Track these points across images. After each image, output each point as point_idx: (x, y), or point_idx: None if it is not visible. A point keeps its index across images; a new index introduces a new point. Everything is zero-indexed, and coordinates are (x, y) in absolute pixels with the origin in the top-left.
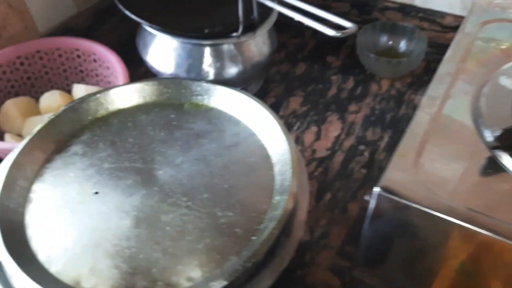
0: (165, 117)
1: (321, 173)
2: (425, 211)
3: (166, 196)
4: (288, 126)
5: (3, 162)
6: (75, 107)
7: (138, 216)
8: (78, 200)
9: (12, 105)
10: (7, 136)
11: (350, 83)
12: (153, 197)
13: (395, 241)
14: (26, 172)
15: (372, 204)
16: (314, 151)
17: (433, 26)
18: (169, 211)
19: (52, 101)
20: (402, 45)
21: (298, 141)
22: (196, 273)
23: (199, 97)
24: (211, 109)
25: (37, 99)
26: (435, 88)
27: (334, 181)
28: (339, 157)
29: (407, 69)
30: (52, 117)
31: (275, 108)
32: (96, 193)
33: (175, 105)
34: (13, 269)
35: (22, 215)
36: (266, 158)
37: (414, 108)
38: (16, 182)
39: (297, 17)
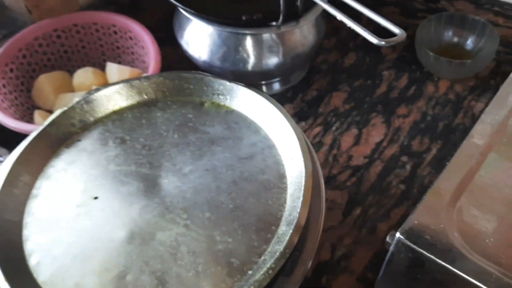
0: (182, 116)
1: (354, 183)
2: (451, 270)
3: (166, 211)
4: (326, 126)
5: (9, 156)
6: (91, 99)
7: (133, 230)
8: (77, 203)
9: (46, 80)
10: (36, 114)
11: (403, 81)
12: (153, 210)
13: None
14: (32, 167)
15: (391, 250)
16: (350, 158)
17: (509, 22)
18: (166, 228)
19: (85, 79)
20: (470, 42)
21: (334, 144)
22: None
23: (221, 97)
24: (232, 111)
25: (72, 74)
26: (500, 102)
27: (367, 195)
28: (377, 168)
29: (471, 71)
30: (65, 108)
31: (315, 103)
32: (96, 198)
33: (195, 104)
34: None
35: (21, 213)
36: (281, 177)
37: (473, 117)
38: (20, 178)
39: (339, 16)
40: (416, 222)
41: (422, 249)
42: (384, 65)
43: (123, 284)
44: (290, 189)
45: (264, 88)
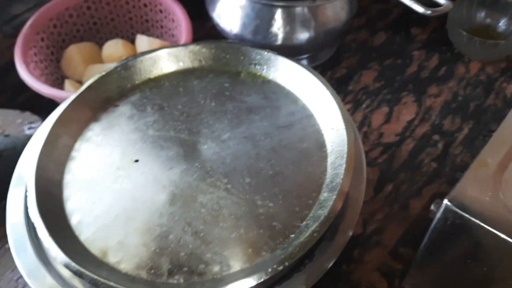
0: (219, 85)
1: (386, 160)
2: (500, 237)
3: (206, 175)
4: (356, 103)
5: (49, 117)
6: (128, 65)
7: (175, 192)
8: (117, 166)
9: (76, 50)
10: (66, 83)
11: (433, 62)
12: (193, 174)
13: (457, 262)
14: (71, 129)
15: (438, 217)
16: (381, 135)
17: None
18: (207, 191)
19: (114, 50)
20: (502, 24)
21: (364, 121)
22: (224, 266)
23: (258, 67)
24: (269, 81)
25: (101, 46)
26: None
27: (399, 172)
28: (409, 145)
29: (504, 52)
30: (103, 73)
31: (345, 81)
32: (137, 161)
33: (231, 73)
34: (43, 233)
35: (61, 173)
36: (321, 146)
37: (505, 99)
38: (59, 139)
39: None
40: (463, 190)
41: (470, 215)
42: (414, 45)
43: (166, 243)
44: (331, 158)
45: None
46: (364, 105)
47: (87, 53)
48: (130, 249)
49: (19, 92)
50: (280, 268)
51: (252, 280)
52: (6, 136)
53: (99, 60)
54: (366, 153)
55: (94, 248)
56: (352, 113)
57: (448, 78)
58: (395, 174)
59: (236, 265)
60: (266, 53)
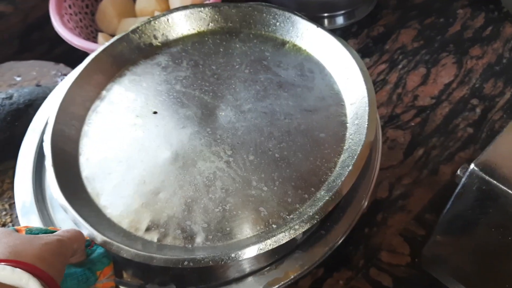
0: (260, 52)
1: (418, 124)
2: None
3: (214, 142)
4: (392, 63)
5: (91, 54)
6: (177, 15)
7: (179, 152)
8: (137, 113)
9: (109, 4)
10: (100, 36)
11: (479, 21)
12: (201, 138)
13: (481, 231)
14: (106, 68)
15: (463, 182)
16: (415, 97)
17: None
18: (208, 159)
19: (147, 4)
20: None
21: (399, 82)
22: (198, 237)
23: (305, 41)
24: (311, 58)
25: (134, 0)
26: None
27: (431, 137)
28: (444, 109)
29: None
30: (151, 18)
31: (381, 39)
32: (155, 112)
33: (277, 42)
34: (48, 165)
35: (87, 109)
36: (340, 140)
37: None
38: (93, 76)
39: None
40: (491, 155)
41: (498, 182)
42: (459, 3)
43: (155, 200)
44: (344, 155)
45: (326, 22)
46: (400, 66)
47: (121, 7)
48: (121, 197)
49: (56, 45)
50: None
51: (210, 262)
52: (38, 86)
53: (133, 14)
54: (398, 115)
55: (90, 187)
56: (387, 74)
57: (493, 39)
58: (427, 139)
59: (206, 241)
60: (316, 27)
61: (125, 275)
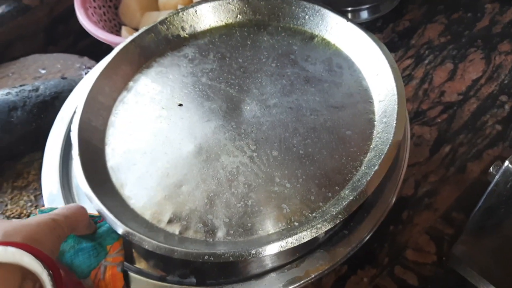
0: (288, 46)
1: (445, 120)
2: None
3: (238, 137)
4: (418, 59)
5: (119, 45)
6: (205, 6)
7: (203, 145)
8: (163, 105)
9: None
10: (123, 30)
11: (508, 16)
12: (226, 132)
13: None
14: (134, 59)
15: (497, 179)
16: (442, 93)
17: None
18: (232, 154)
19: None
20: None
21: (425, 78)
22: (219, 232)
23: (334, 35)
24: (340, 53)
25: None
26: None
27: (458, 133)
28: (472, 105)
29: None
30: (179, 10)
31: (407, 34)
32: (181, 105)
33: (305, 36)
34: (75, 154)
35: (114, 100)
36: (367, 138)
37: None
38: (121, 66)
39: None
40: None
41: None
42: None
43: (177, 193)
44: (371, 154)
45: (350, 16)
46: (426, 61)
47: (144, 1)
48: (144, 189)
49: (80, 39)
50: (270, 252)
51: (230, 258)
52: (64, 78)
53: (156, 7)
54: (424, 111)
55: (115, 177)
56: (412, 69)
57: None
58: (454, 135)
59: (227, 235)
60: (346, 21)
61: (146, 266)
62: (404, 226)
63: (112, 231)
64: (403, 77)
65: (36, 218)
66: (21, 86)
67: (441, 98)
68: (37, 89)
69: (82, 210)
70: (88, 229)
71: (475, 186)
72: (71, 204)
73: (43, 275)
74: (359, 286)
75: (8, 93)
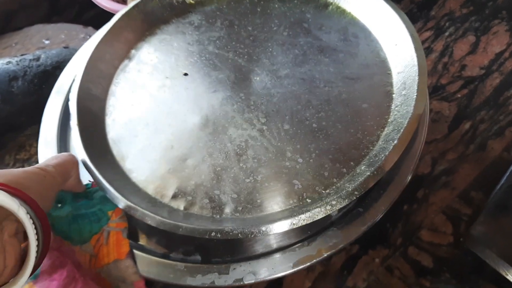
0: (300, 14)
1: (465, 96)
2: None
3: (247, 109)
4: (438, 31)
5: (118, 13)
6: None
7: (209, 117)
8: (167, 75)
9: None
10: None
11: None
12: (234, 104)
13: None
14: (137, 25)
15: None
16: (463, 67)
17: None
18: (240, 126)
19: None
20: None
21: (446, 51)
22: (227, 208)
23: (351, 3)
24: (357, 22)
25: None
26: None
27: (479, 110)
28: (494, 80)
29: None
30: None
31: (427, 5)
32: (186, 74)
33: (319, 3)
34: (73, 124)
35: (115, 68)
36: (384, 112)
37: None
38: (124, 33)
39: None
40: None
41: None
42: None
43: (182, 166)
44: (388, 128)
45: None
46: (447, 33)
47: None
48: (147, 162)
49: (85, 9)
50: (282, 228)
51: (239, 235)
52: (66, 47)
53: None
54: (444, 86)
55: (116, 149)
56: (432, 41)
57: None
58: (475, 112)
59: (235, 212)
60: None
61: (149, 242)
62: (419, 205)
63: None
64: None
65: (24, 168)
66: (22, 55)
67: (462, 73)
68: (38, 58)
69: (73, 158)
70: (79, 183)
71: (496, 164)
72: (60, 153)
73: (20, 212)
74: (370, 266)
75: (9, 62)
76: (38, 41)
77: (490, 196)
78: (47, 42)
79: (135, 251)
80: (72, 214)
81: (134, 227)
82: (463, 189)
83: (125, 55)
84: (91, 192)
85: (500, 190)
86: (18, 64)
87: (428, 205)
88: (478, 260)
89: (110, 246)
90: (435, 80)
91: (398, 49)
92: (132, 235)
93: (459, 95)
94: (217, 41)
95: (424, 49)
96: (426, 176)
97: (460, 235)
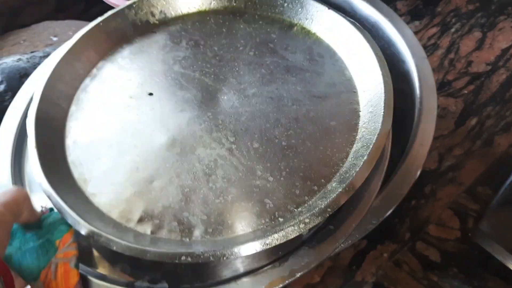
0: (266, 34)
1: (472, 92)
2: None
3: (215, 128)
4: (444, 27)
5: (82, 29)
6: None
7: (176, 137)
8: (131, 94)
9: None
10: None
11: None
12: (201, 123)
13: None
14: (99, 45)
15: None
16: (469, 63)
17: None
18: (209, 146)
19: None
20: None
21: (452, 47)
22: (196, 230)
23: (314, 24)
24: (321, 43)
25: None
26: None
27: (486, 105)
28: (501, 76)
29: None
30: None
31: (433, 1)
32: (151, 94)
33: (284, 25)
34: (31, 145)
35: (75, 88)
36: (352, 129)
37: None
38: (85, 53)
39: None
40: None
41: None
42: None
43: (148, 189)
44: (357, 145)
45: None
46: (453, 29)
47: None
48: (111, 185)
49: (92, 5)
50: (247, 252)
51: (210, 257)
52: None
53: None
54: (450, 82)
55: (77, 172)
56: (438, 38)
57: None
58: (481, 107)
59: (205, 234)
60: (327, 9)
61: (111, 270)
62: (426, 200)
63: (60, 223)
64: (428, 46)
65: None
66: (32, 52)
67: (468, 69)
68: (48, 56)
69: (23, 192)
70: (33, 215)
71: (502, 160)
72: (7, 188)
73: None
74: (379, 261)
75: (19, 59)
76: (46, 38)
77: (497, 191)
78: (55, 39)
79: (96, 281)
80: (21, 249)
81: (93, 253)
82: (469, 184)
83: (87, 75)
84: (42, 220)
85: (509, 185)
86: (28, 61)
87: (435, 200)
88: (484, 255)
89: (58, 279)
90: (442, 76)
91: (363, 68)
92: (92, 263)
93: (465, 91)
94: (183, 61)
95: (430, 45)
96: (433, 172)
97: (467, 230)
